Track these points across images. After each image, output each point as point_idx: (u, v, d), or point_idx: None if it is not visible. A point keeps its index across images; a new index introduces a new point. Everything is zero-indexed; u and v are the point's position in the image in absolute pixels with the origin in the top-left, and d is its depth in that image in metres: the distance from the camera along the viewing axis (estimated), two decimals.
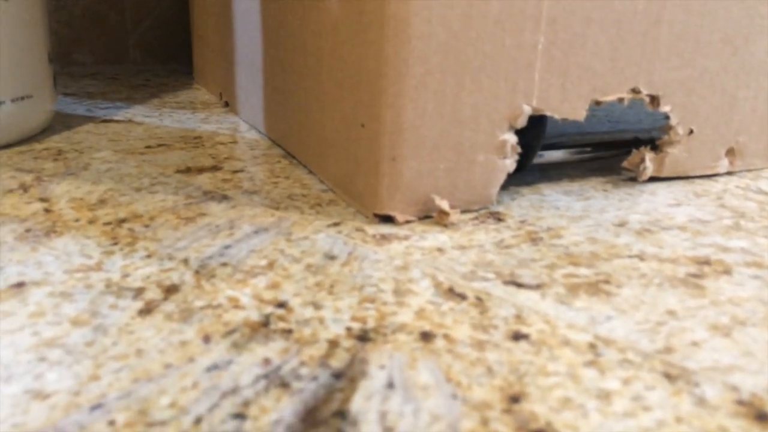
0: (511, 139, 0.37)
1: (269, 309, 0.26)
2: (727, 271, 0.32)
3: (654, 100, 0.42)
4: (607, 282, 0.30)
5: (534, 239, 0.35)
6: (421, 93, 0.34)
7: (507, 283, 0.30)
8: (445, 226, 0.36)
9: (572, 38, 0.37)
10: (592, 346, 0.25)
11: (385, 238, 0.34)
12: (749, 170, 0.47)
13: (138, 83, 0.71)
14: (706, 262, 0.33)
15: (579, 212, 0.39)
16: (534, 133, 0.42)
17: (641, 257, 0.33)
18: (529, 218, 0.38)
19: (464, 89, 0.35)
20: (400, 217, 0.36)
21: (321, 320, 0.26)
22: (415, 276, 0.30)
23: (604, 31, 0.38)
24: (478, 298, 0.28)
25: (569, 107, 0.39)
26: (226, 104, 0.63)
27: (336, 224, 0.36)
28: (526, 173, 0.45)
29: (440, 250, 0.33)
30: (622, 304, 0.28)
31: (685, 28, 0.41)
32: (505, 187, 0.42)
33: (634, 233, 0.36)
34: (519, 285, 0.30)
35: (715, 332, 0.26)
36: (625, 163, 0.43)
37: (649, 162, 0.43)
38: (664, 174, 0.44)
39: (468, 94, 0.35)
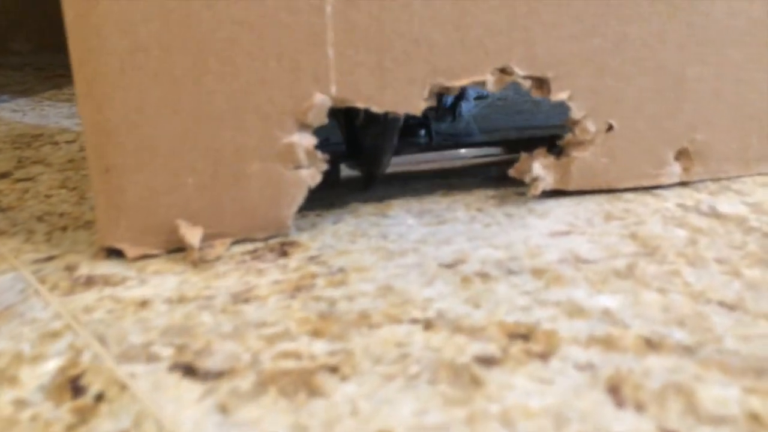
0: (304, 141, 0.27)
1: None
2: (546, 354, 0.20)
3: (541, 83, 0.29)
4: (333, 370, 0.19)
5: (300, 288, 0.24)
6: (132, 78, 0.24)
7: (177, 367, 0.20)
8: (194, 264, 0.26)
9: None
10: None
11: (89, 282, 0.25)
12: (717, 179, 0.34)
13: (60, 73, 0.65)
14: (526, 335, 0.21)
15: (409, 244, 0.27)
16: (377, 131, 0.31)
17: (429, 324, 0.22)
18: (326, 253, 0.27)
19: (208, 72, 0.25)
20: (130, 251, 0.26)
21: None
22: (50, 352, 0.21)
23: None
24: (100, 397, 0.18)
25: (395, 96, 0.27)
26: None
27: (49, 259, 0.26)
28: (392, 182, 0.34)
29: (143, 304, 0.23)
30: (314, 415, 0.18)
31: None
32: (345, 203, 0.32)
33: (461, 280, 0.24)
34: (191, 372, 0.19)
35: None
36: (511, 172, 0.31)
37: (542, 170, 0.31)
38: (572, 186, 0.32)
39: (215, 80, 0.25)
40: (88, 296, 0.24)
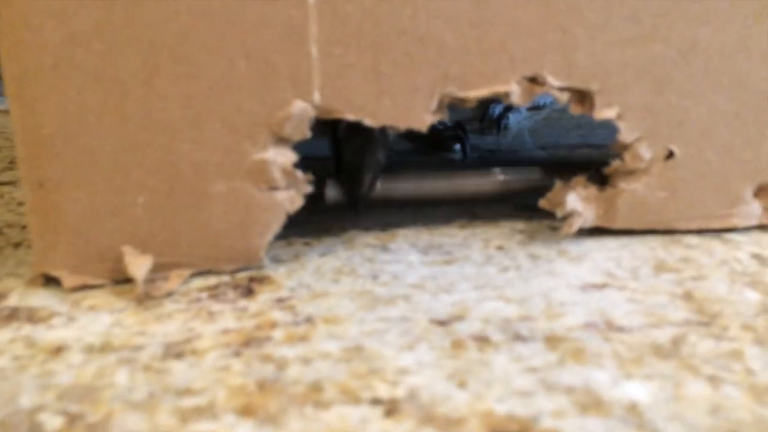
0: (280, 158, 0.22)
1: None
2: None
3: (582, 97, 0.24)
4: None
5: (250, 342, 0.19)
6: (69, 76, 0.20)
7: None
8: (138, 300, 0.22)
9: None
10: None
11: (11, 316, 0.21)
12: None
13: None
14: None
15: (401, 289, 0.22)
16: (357, 145, 0.26)
17: (393, 408, 0.17)
18: (299, 294, 0.22)
19: (161, 73, 0.21)
20: (67, 280, 0.22)
21: None
22: None
23: None
24: None
25: (394, 107, 0.22)
26: None
27: None
28: (404, 207, 0.29)
29: (58, 351, 0.19)
30: None
31: None
32: (343, 229, 0.27)
33: (452, 345, 0.19)
34: None
35: None
36: (542, 203, 0.26)
37: (579, 204, 0.25)
38: (618, 224, 0.26)
39: (169, 82, 0.21)
40: (1, 336, 0.20)
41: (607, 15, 0.23)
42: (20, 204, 0.30)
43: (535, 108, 0.46)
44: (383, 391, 0.17)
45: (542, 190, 0.28)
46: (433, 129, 0.38)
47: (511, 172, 0.29)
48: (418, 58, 0.22)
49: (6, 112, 0.47)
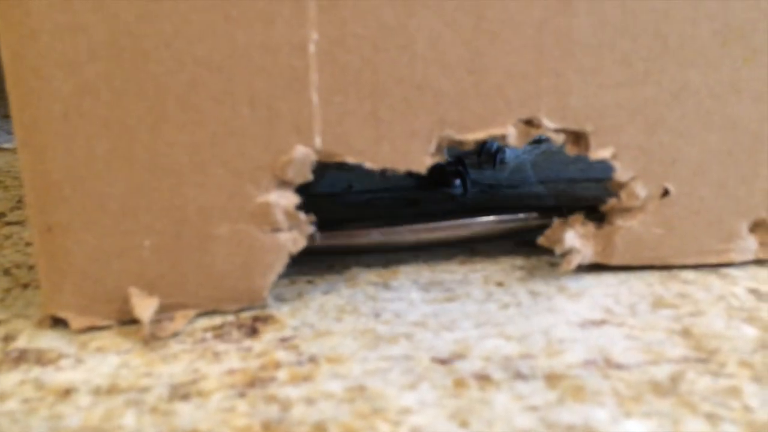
0: (283, 200, 0.23)
1: None
2: None
3: (577, 138, 0.24)
4: None
5: (255, 382, 0.20)
6: (78, 125, 0.21)
7: None
8: (145, 341, 0.22)
9: (380, 34, 0.22)
10: None
11: (20, 359, 0.21)
12: None
13: None
14: None
15: (403, 327, 0.23)
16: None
17: None
18: (303, 334, 0.22)
19: (167, 120, 0.21)
20: (75, 322, 0.23)
21: None
22: None
23: (450, 23, 0.22)
24: None
25: (393, 151, 0.23)
26: None
27: None
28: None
29: (66, 393, 0.19)
30: None
31: (630, 15, 0.23)
32: (345, 267, 0.27)
33: (453, 384, 0.20)
34: None
35: None
36: (541, 240, 0.26)
37: (577, 241, 0.26)
38: (616, 260, 0.26)
39: (175, 129, 0.21)
40: (11, 378, 0.20)
41: (599, 59, 0.23)
42: (28, 244, 0.30)
43: (535, 142, 0.47)
44: (386, 431, 0.18)
45: (534, 229, 0.28)
46: (435, 165, 0.39)
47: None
48: (415, 104, 0.23)
49: (13, 150, 0.47)
